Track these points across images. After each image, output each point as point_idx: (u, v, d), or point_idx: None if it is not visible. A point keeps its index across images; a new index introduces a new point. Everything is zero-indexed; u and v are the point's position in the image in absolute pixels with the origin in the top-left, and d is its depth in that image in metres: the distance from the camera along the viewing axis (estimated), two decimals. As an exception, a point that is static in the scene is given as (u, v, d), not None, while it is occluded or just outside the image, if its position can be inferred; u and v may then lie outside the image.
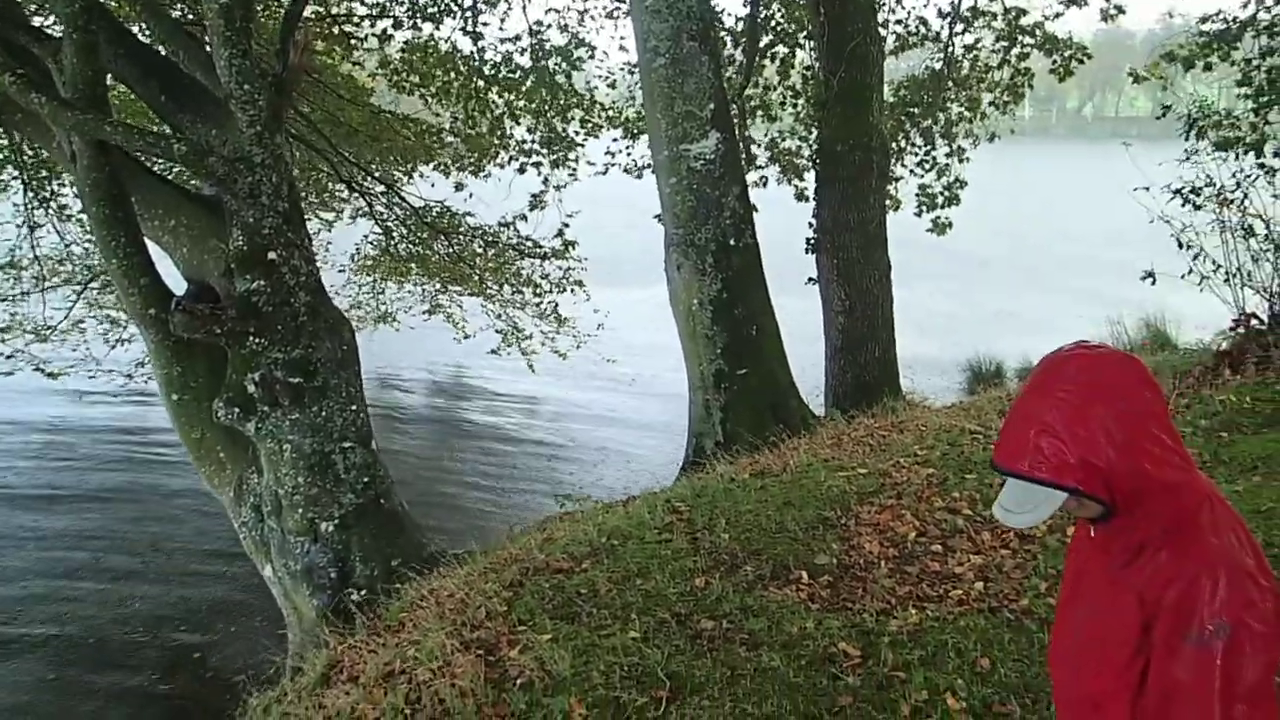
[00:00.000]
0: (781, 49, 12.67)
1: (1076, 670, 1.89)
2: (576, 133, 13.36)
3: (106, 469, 13.00)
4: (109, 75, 6.34)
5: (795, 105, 13.08)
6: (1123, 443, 1.63)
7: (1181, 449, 1.71)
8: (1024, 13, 12.03)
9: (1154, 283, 7.49)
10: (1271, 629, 1.61)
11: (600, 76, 13.92)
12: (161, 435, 13.33)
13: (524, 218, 13.73)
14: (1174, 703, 1.64)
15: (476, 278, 14.80)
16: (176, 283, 6.31)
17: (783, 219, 11.45)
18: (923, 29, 12.51)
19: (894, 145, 11.97)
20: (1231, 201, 7.41)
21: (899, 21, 12.52)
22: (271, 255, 5.93)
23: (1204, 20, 9.23)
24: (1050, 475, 1.65)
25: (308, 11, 9.70)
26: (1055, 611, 2.10)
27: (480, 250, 14.61)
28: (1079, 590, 1.94)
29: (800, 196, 12.47)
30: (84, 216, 8.34)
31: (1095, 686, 1.83)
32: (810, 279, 10.49)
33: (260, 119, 5.82)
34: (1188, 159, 7.58)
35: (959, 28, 12.42)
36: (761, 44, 12.41)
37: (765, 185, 13.16)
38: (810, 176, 11.58)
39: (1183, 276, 7.46)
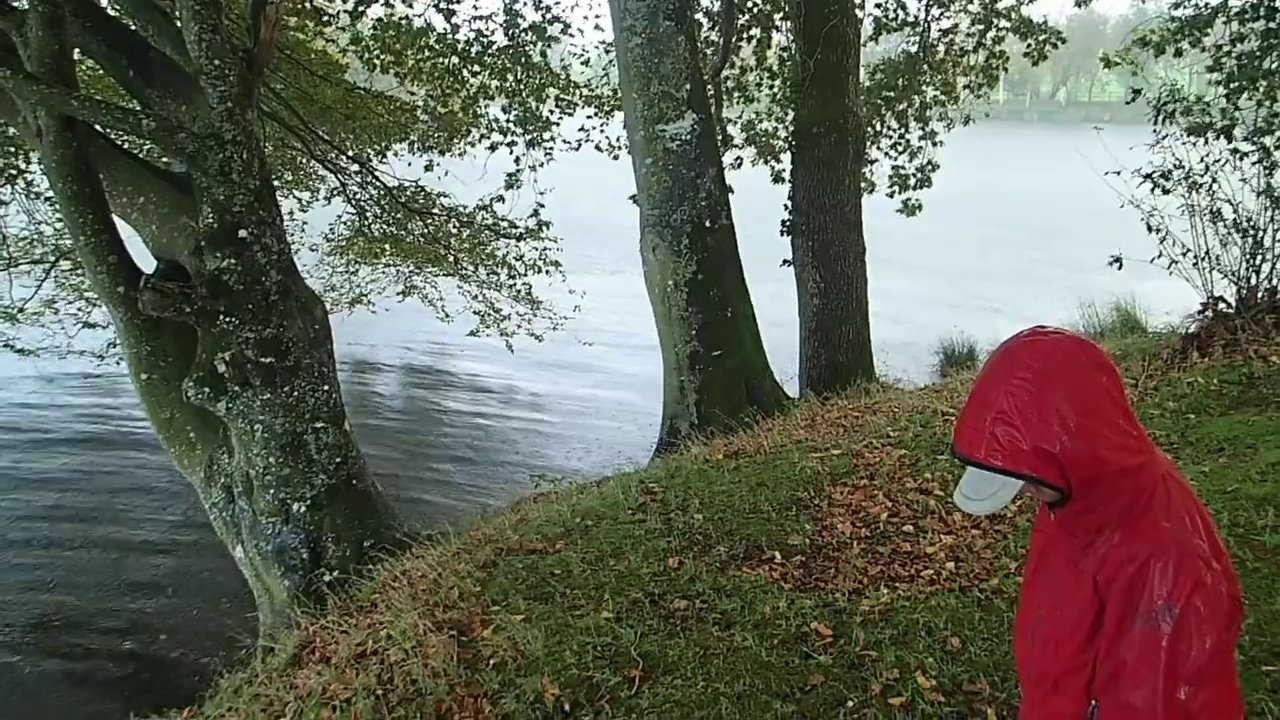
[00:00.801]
0: (758, 30, 12.64)
1: (1039, 649, 1.91)
2: (551, 111, 13.26)
3: (70, 449, 12.85)
4: (76, 49, 6.24)
5: (772, 87, 13.07)
6: (1077, 428, 1.62)
7: (1138, 431, 1.71)
8: (1000, -3, 12.08)
9: (1120, 268, 7.54)
10: (1220, 611, 1.61)
11: (574, 54, 13.86)
12: (130, 414, 13.23)
13: (500, 199, 13.65)
14: (1120, 683, 1.65)
15: (452, 259, 14.71)
16: (146, 261, 6.23)
17: (752, 202, 11.43)
18: (901, 13, 12.51)
19: (869, 128, 11.99)
20: (1200, 186, 7.46)
21: (877, 5, 12.53)
22: (242, 233, 5.87)
23: (1176, 5, 9.29)
24: (1005, 463, 1.65)
25: (279, -14, 9.57)
26: (1020, 591, 2.12)
27: (455, 231, 14.52)
28: (1041, 571, 1.95)
29: (777, 178, 12.46)
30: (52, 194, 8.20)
31: (1054, 666, 1.85)
32: (786, 261, 10.50)
33: (231, 95, 5.75)
34: (1157, 144, 7.63)
35: (935, 11, 12.44)
36: (738, 25, 12.37)
37: (740, 166, 13.14)
38: (786, 158, 11.58)
39: (1151, 260, 7.52)
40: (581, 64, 14.23)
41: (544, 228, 13.90)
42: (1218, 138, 7.59)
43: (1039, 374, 1.65)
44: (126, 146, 7.31)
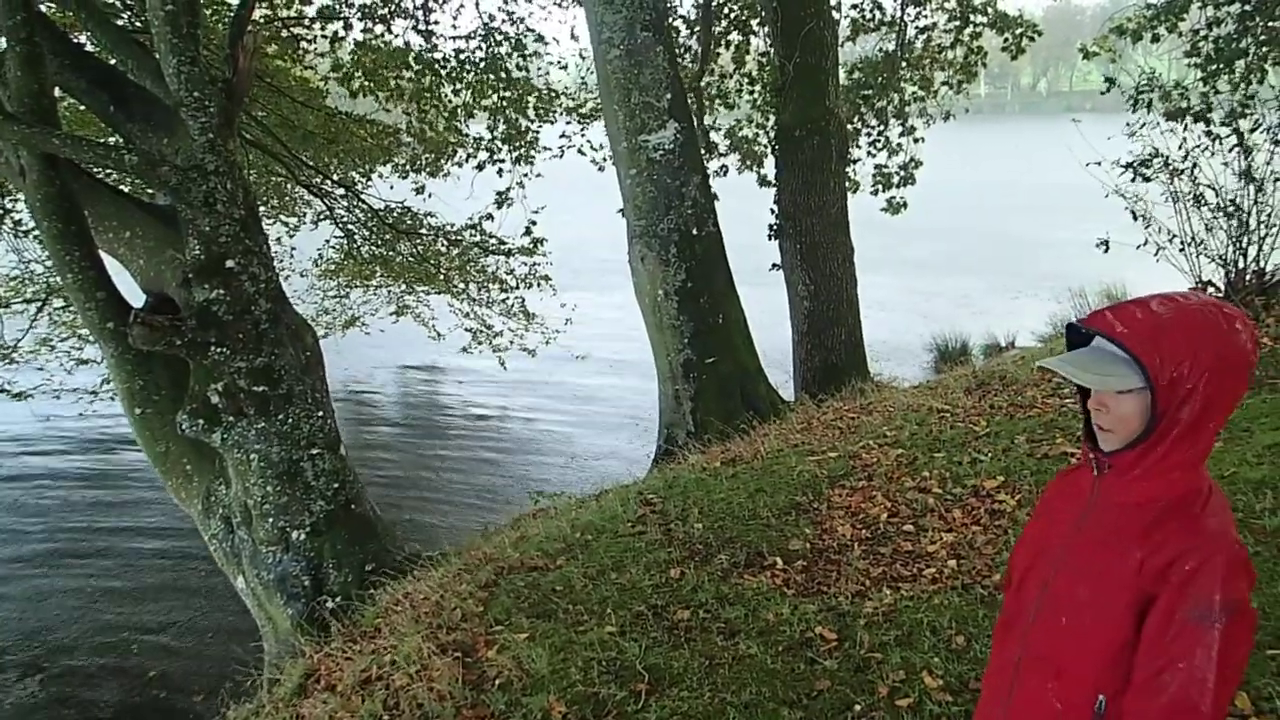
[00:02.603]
0: (736, 36, 12.67)
1: (1043, 631, 1.85)
2: (532, 121, 13.23)
3: (67, 482, 12.82)
4: (55, 87, 6.23)
5: (752, 92, 13.09)
6: (1207, 387, 1.63)
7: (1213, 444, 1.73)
8: (976, -8, 12.12)
9: (1107, 250, 7.56)
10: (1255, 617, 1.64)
11: (552, 62, 13.86)
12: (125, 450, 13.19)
13: (490, 217, 13.66)
14: (1167, 679, 1.61)
15: (442, 277, 14.71)
16: (135, 295, 6.22)
17: (735, 207, 11.46)
18: (878, 13, 12.55)
19: (850, 127, 12.01)
20: (1181, 171, 7.49)
21: (854, 5, 12.57)
22: (229, 263, 5.86)
23: (1151, -8, 9.34)
24: (1144, 357, 1.64)
25: (256, 14, 9.58)
26: (1012, 572, 2.06)
27: (444, 250, 14.53)
28: (1054, 552, 1.88)
29: (763, 182, 12.48)
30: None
31: (1064, 650, 1.79)
32: (775, 265, 10.51)
33: (211, 126, 5.75)
34: (1135, 132, 7.66)
35: (912, 11, 12.48)
36: (716, 31, 12.40)
37: (725, 174, 13.15)
38: (770, 163, 11.60)
39: (1138, 247, 7.54)
40: (560, 68, 14.22)
41: (538, 245, 13.91)
42: (1196, 122, 7.63)
43: (1226, 332, 1.65)
44: (111, 182, 7.29)
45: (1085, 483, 1.86)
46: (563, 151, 13.50)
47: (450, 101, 13.00)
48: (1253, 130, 7.38)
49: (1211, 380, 1.62)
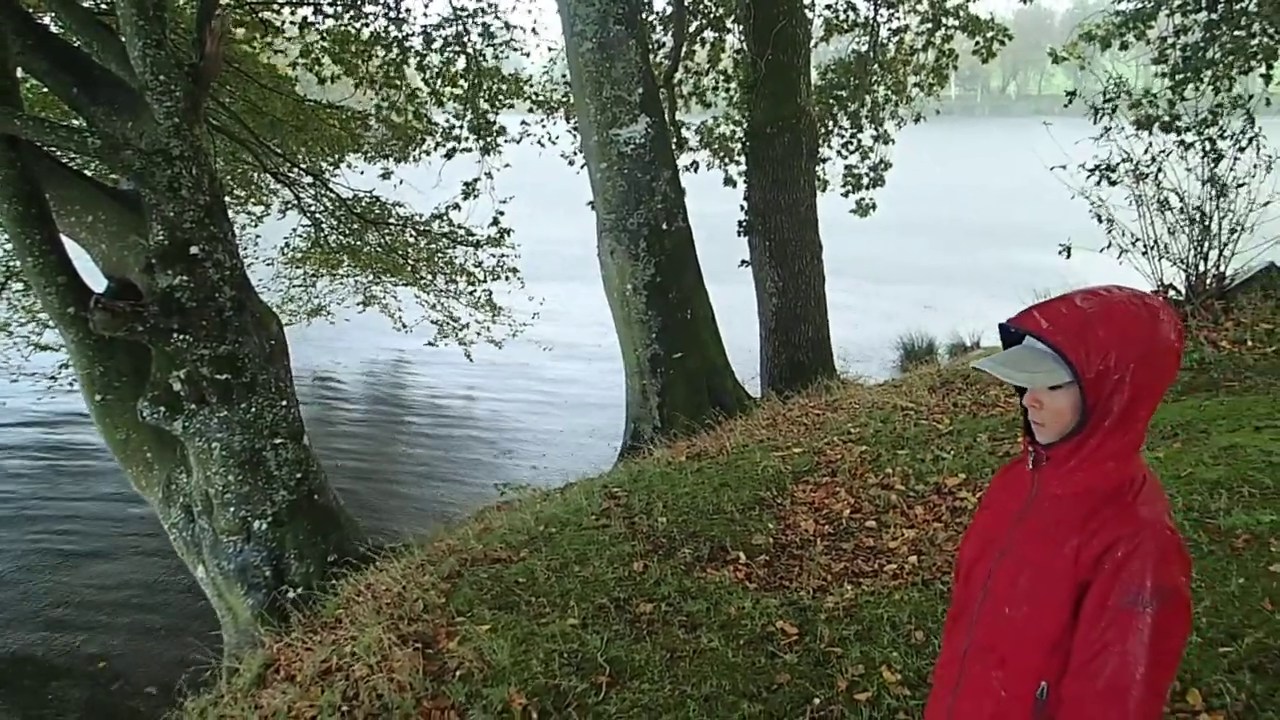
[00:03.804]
0: (712, 34, 12.69)
1: (987, 621, 1.88)
2: (495, 109, 13.16)
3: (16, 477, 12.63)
4: (17, 68, 6.13)
5: (728, 90, 13.11)
6: (1135, 376, 1.67)
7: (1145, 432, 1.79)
8: (949, -4, 12.21)
9: (1069, 256, 7.65)
10: (1189, 604, 1.67)
11: (515, 49, 13.81)
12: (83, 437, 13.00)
13: (457, 206, 13.59)
14: (1101, 663, 1.65)
15: (409, 268, 14.63)
16: (96, 280, 6.14)
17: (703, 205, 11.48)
18: (851, 15, 12.61)
19: (821, 128, 12.06)
20: (1146, 176, 7.59)
21: (828, 6, 12.62)
22: (194, 250, 5.79)
23: (1119, -1, 9.45)
24: (1070, 352, 1.68)
25: (224, -1, 9.48)
26: (960, 564, 2.09)
27: (412, 240, 14.45)
28: (996, 543, 1.91)
29: (729, 181, 12.51)
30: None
31: (1006, 639, 1.83)
32: (744, 261, 10.54)
33: (177, 110, 5.68)
34: (1102, 136, 7.76)
35: (885, 13, 12.55)
36: (691, 29, 12.41)
37: (696, 170, 13.17)
38: (744, 160, 11.62)
39: (1102, 250, 7.64)
40: (523, 54, 14.19)
41: (505, 235, 13.86)
42: (1166, 132, 7.73)
43: (1149, 323, 1.69)
44: (74, 165, 7.18)
45: (1026, 475, 1.90)
46: (521, 138, 13.46)
47: (418, 89, 12.91)
48: (1220, 137, 7.49)
49: (1138, 370, 1.67)
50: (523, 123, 13.49)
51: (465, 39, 12.40)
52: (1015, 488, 1.93)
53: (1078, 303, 1.72)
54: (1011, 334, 1.82)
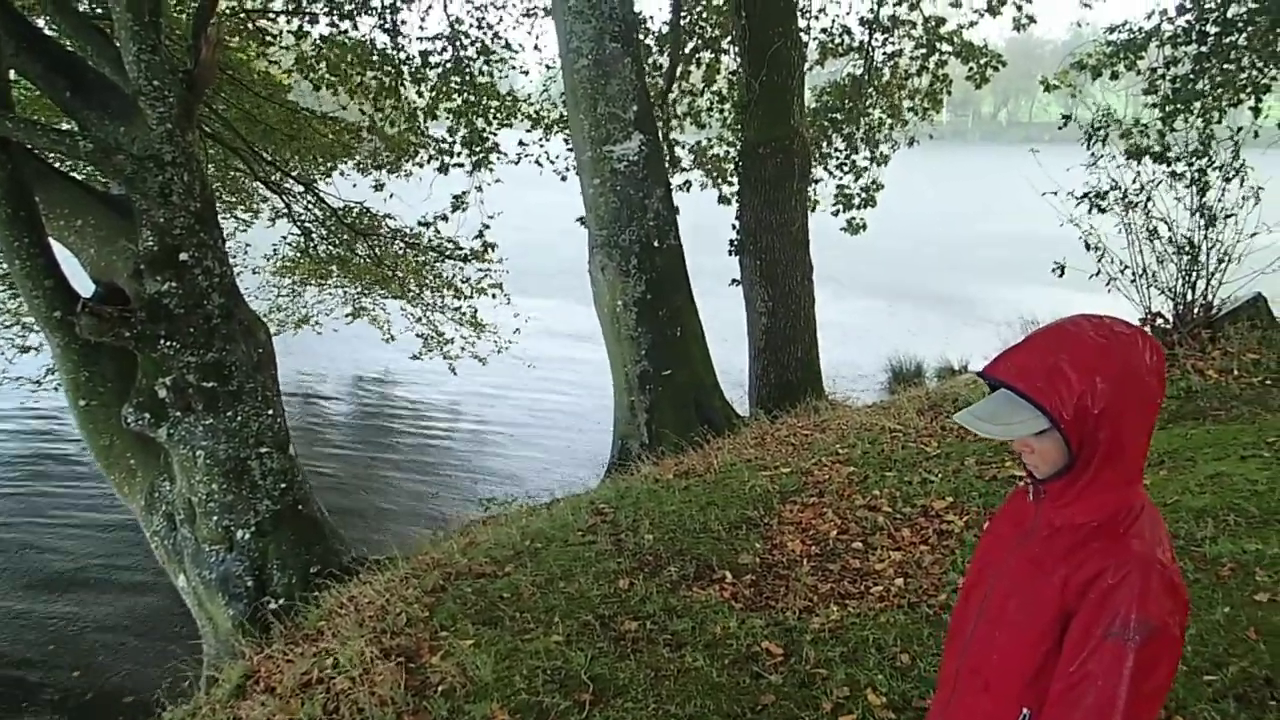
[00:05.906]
0: (708, 54, 12.74)
1: (978, 644, 1.88)
2: (491, 126, 13.19)
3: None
4: (10, 70, 6.11)
5: (723, 111, 13.16)
6: (1115, 409, 1.65)
7: (1146, 452, 1.76)
8: (943, 21, 12.30)
9: (1062, 274, 7.68)
10: (1181, 639, 1.65)
11: (514, 67, 13.86)
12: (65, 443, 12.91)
13: (444, 218, 13.59)
14: (1080, 693, 1.64)
15: (397, 281, 14.61)
16: (84, 284, 6.10)
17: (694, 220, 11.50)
18: (846, 38, 12.69)
19: (815, 149, 12.11)
20: (1136, 205, 7.64)
21: (824, 30, 12.70)
22: (183, 256, 5.76)
23: (1111, 30, 9.54)
24: (1043, 400, 1.66)
25: (221, 5, 9.47)
26: (962, 589, 2.09)
27: (401, 252, 14.44)
28: (994, 566, 1.93)
29: (723, 200, 12.55)
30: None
31: (993, 664, 1.83)
32: (734, 280, 10.56)
33: (170, 116, 5.66)
34: (1093, 164, 7.80)
35: (879, 38, 12.63)
36: (686, 49, 12.46)
37: (689, 189, 13.20)
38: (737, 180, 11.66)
39: (1090, 277, 7.67)
40: (521, 73, 14.22)
41: (489, 249, 13.86)
42: (1156, 162, 7.78)
43: (1123, 349, 1.68)
44: (64, 169, 7.15)
45: (1030, 505, 1.89)
46: (519, 159, 13.50)
47: (412, 102, 12.94)
48: (1209, 168, 7.54)
49: (1116, 402, 1.65)
50: (520, 143, 13.51)
51: (463, 61, 12.43)
52: (1020, 515, 1.92)
53: (1046, 344, 1.71)
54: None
